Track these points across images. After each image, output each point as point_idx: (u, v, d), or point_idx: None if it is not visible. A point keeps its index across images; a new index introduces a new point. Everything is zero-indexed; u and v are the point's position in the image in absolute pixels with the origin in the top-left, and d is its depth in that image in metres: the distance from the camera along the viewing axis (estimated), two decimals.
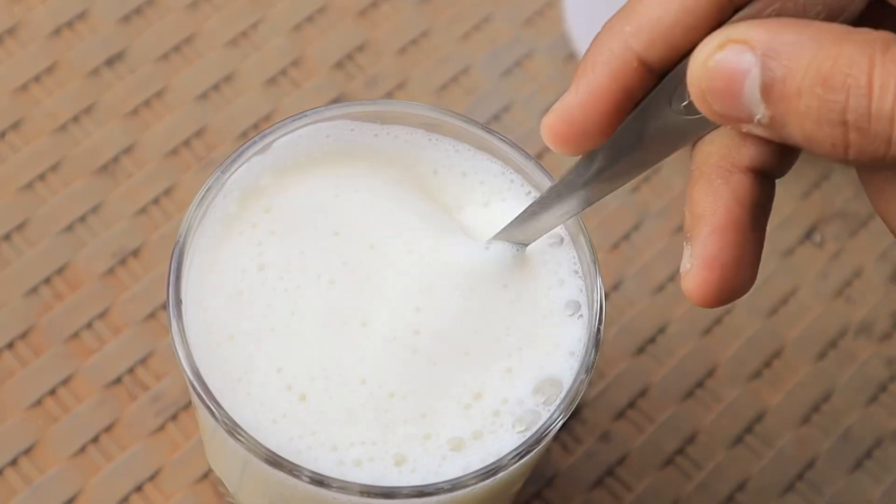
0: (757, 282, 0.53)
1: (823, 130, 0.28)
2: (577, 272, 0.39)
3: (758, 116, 0.29)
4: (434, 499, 0.35)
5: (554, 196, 0.36)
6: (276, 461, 0.35)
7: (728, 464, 0.51)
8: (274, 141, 0.39)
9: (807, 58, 0.28)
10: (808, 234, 0.55)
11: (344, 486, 0.35)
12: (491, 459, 0.36)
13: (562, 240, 0.40)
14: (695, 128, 0.32)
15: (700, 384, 0.52)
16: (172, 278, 0.37)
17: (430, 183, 0.40)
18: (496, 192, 0.40)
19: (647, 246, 0.54)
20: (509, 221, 0.38)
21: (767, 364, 0.53)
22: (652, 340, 0.52)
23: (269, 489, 0.38)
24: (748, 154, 0.32)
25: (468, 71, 0.57)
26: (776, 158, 0.32)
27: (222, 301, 0.37)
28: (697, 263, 0.32)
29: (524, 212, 0.37)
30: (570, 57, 0.58)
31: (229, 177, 0.39)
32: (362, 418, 0.36)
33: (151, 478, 0.48)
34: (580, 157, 0.34)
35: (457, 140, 0.41)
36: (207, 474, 0.48)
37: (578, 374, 0.37)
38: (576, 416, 0.51)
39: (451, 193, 0.40)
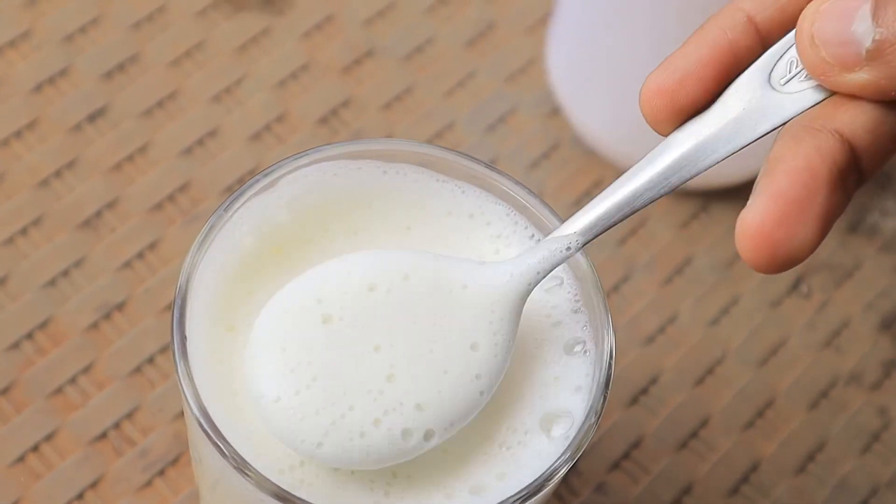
0: (746, 332, 0.54)
1: None
2: (576, 311, 0.39)
3: (867, 45, 0.29)
4: None
5: (629, 188, 0.35)
6: (285, 497, 0.34)
7: None
8: (279, 179, 0.39)
9: None
10: (795, 286, 0.55)
11: None
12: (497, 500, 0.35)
13: (562, 280, 0.40)
14: (792, 106, 0.31)
15: (694, 434, 0.51)
16: (177, 314, 0.36)
17: (443, 223, 0.40)
18: (503, 237, 0.40)
19: (637, 298, 0.54)
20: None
21: (760, 414, 0.52)
22: (644, 391, 0.52)
23: None
24: (840, 118, 0.31)
25: (452, 126, 0.57)
26: (867, 141, 0.31)
27: (230, 336, 0.37)
28: (760, 196, 0.30)
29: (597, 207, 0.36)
30: (554, 111, 0.58)
31: (234, 213, 0.38)
32: (376, 453, 0.36)
33: None
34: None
35: (462, 181, 0.40)
36: None
37: (593, 405, 0.36)
38: (572, 468, 0.50)
39: (462, 233, 0.40)
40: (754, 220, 0.30)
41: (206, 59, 0.57)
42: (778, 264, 0.30)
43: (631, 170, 0.35)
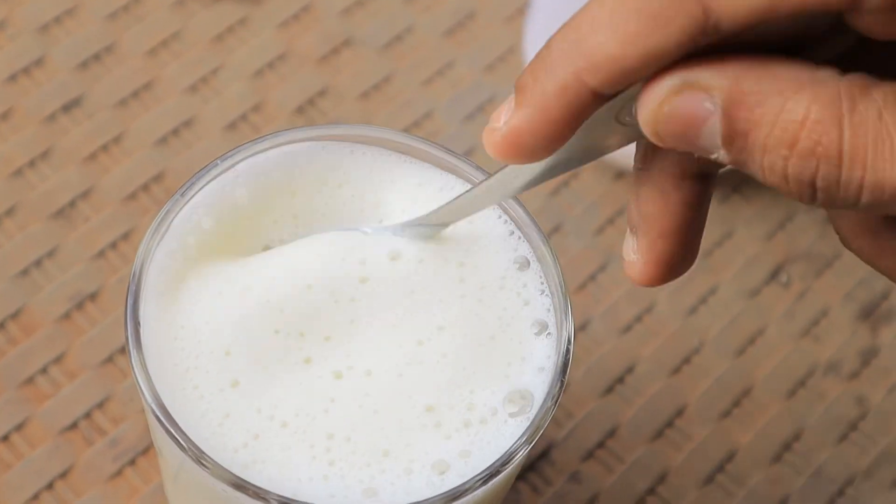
0: (724, 321, 0.53)
1: (790, 185, 0.28)
2: (543, 292, 0.39)
3: (715, 156, 0.28)
4: None
5: (484, 189, 0.36)
6: (242, 486, 0.34)
7: (700, 503, 0.50)
8: (238, 162, 0.38)
9: (771, 114, 0.27)
10: (774, 275, 0.55)
11: None
12: (458, 482, 0.35)
13: (528, 262, 0.40)
14: (635, 133, 0.31)
15: (670, 424, 0.51)
16: (130, 301, 0.36)
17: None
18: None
19: (614, 287, 0.54)
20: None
21: (737, 403, 0.52)
22: (620, 380, 0.52)
23: None
24: (700, 162, 0.31)
25: (431, 115, 0.57)
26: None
27: (190, 325, 0.36)
28: (644, 259, 0.32)
29: (446, 203, 0.37)
30: None
31: (191, 198, 0.38)
32: (334, 444, 0.35)
33: None
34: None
35: (430, 164, 0.40)
36: None
37: (551, 387, 0.36)
38: (545, 456, 0.50)
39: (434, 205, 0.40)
40: (642, 276, 0.33)
41: (182, 49, 0.57)
42: (664, 283, 0.33)
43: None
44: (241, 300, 0.37)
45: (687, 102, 0.28)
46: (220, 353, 0.36)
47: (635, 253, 0.33)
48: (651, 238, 0.32)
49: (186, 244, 0.37)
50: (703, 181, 0.32)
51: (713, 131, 0.28)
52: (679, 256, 0.32)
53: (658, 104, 0.28)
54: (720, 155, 0.28)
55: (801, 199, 0.28)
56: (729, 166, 0.29)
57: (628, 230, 0.33)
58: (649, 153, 0.32)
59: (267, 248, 0.39)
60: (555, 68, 0.30)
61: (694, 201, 0.32)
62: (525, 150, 0.32)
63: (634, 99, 0.29)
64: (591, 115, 0.31)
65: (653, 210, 0.32)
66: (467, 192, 0.37)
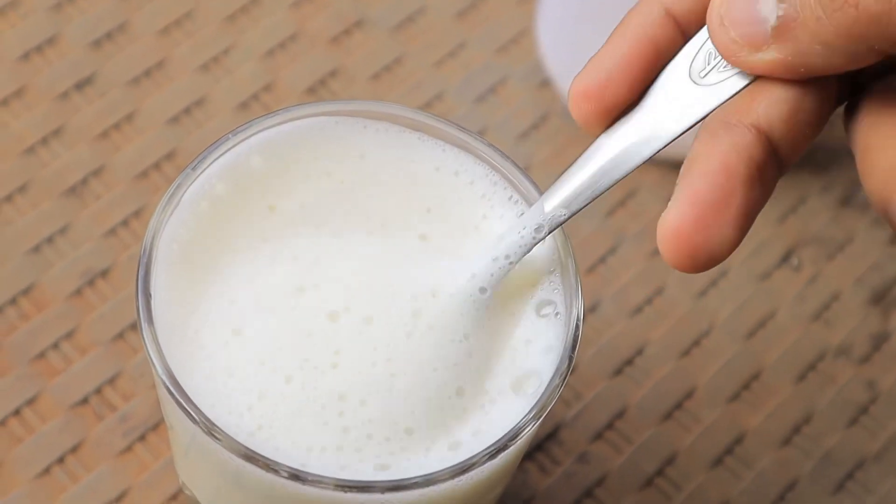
0: (734, 304, 0.53)
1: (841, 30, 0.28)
2: (552, 272, 0.39)
3: (772, 23, 0.29)
4: (410, 494, 0.34)
5: (562, 187, 0.35)
6: (252, 458, 0.34)
7: (708, 485, 0.50)
8: (251, 136, 0.39)
9: None
10: (786, 258, 0.55)
11: (319, 481, 0.33)
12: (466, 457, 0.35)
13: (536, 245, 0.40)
14: (710, 99, 0.32)
15: (679, 406, 0.51)
16: (142, 273, 0.36)
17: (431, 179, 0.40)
18: (486, 197, 0.40)
19: (624, 269, 0.54)
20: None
21: (746, 386, 0.52)
22: (629, 362, 0.52)
23: (245, 495, 0.37)
24: (757, 111, 0.31)
25: (442, 97, 0.57)
26: (784, 130, 0.31)
27: (201, 294, 0.37)
28: (679, 199, 0.30)
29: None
30: (544, 83, 0.57)
31: (203, 171, 0.38)
32: (343, 417, 0.35)
33: (118, 499, 0.46)
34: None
35: (444, 141, 0.40)
36: (177, 495, 0.47)
37: (559, 364, 0.36)
38: (553, 436, 0.50)
39: (448, 189, 0.40)
40: (672, 224, 0.30)
41: (194, 29, 0.57)
42: (698, 266, 0.30)
43: (561, 177, 0.35)
44: (256, 267, 0.37)
45: None
46: (226, 306, 0.37)
47: (671, 205, 0.30)
48: (690, 177, 0.30)
49: (199, 215, 0.38)
50: (757, 138, 0.31)
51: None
52: (716, 208, 0.30)
53: None
54: (773, 22, 0.29)
55: (854, 53, 0.29)
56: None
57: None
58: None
59: (273, 209, 0.39)
60: (638, 5, 0.33)
61: (743, 149, 0.30)
62: (605, 90, 0.32)
63: (704, 48, 0.31)
64: (668, 58, 0.32)
65: (699, 152, 0.31)
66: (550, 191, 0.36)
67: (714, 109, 0.32)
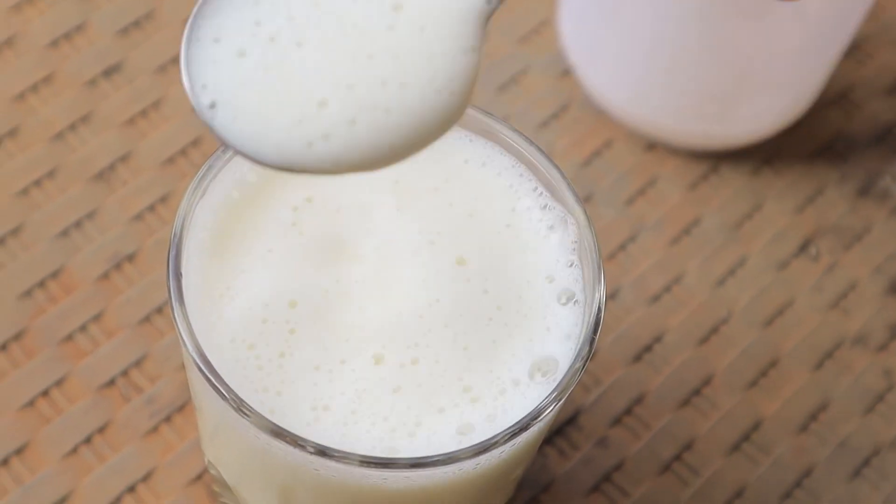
0: (752, 293, 0.54)
1: None
2: (572, 264, 0.39)
3: None
4: (431, 471, 0.35)
5: None
6: (279, 433, 0.35)
7: (726, 471, 0.50)
8: None
9: None
10: (804, 248, 0.56)
11: (344, 456, 0.34)
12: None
13: (562, 224, 0.40)
14: None
15: (697, 392, 0.52)
16: (173, 253, 0.37)
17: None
18: (513, 187, 0.40)
19: (643, 257, 0.54)
20: None
21: (764, 373, 0.52)
22: (648, 349, 0.52)
23: (271, 472, 0.38)
24: None
25: None
26: None
27: (230, 274, 0.37)
28: None
29: None
30: (565, 73, 0.58)
31: (234, 154, 0.38)
32: (371, 396, 0.36)
33: (144, 479, 0.47)
34: None
35: (469, 131, 0.41)
36: (201, 475, 0.47)
37: (580, 348, 0.37)
38: (572, 422, 0.50)
39: (477, 180, 0.40)
40: None
41: None
42: None
43: None
44: (283, 246, 0.38)
45: None
46: (258, 294, 0.37)
47: None
48: None
49: (228, 199, 0.38)
50: None
51: None
52: None
53: None
54: None
55: None
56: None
57: None
58: None
59: (310, 200, 0.39)
60: None
61: None
62: None
63: None
64: None
65: None
66: None
67: None
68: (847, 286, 0.55)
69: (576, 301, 0.39)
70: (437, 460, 0.35)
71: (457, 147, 0.41)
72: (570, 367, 0.37)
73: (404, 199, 0.40)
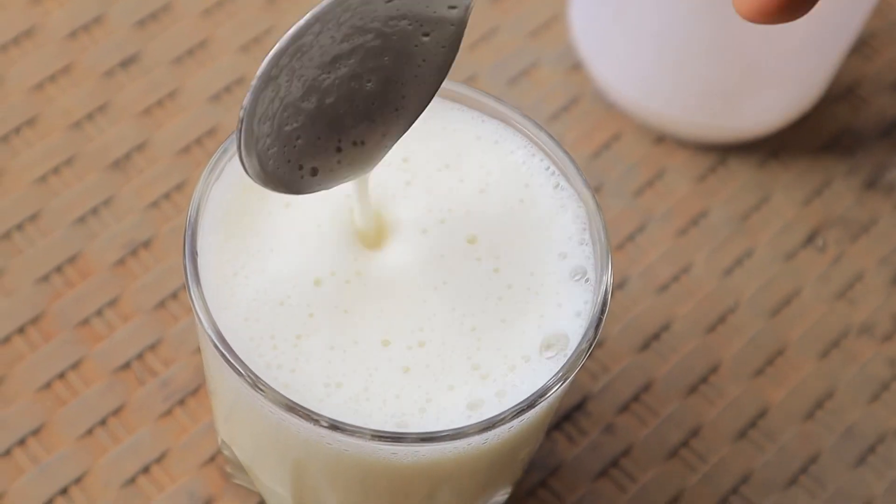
0: (759, 283, 0.54)
1: None
2: (583, 242, 0.40)
3: None
4: (440, 446, 0.35)
5: None
6: (293, 408, 0.35)
7: (732, 457, 0.51)
8: None
9: None
10: (811, 239, 0.56)
11: (356, 431, 0.35)
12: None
13: (566, 205, 0.41)
14: None
15: (704, 380, 0.52)
16: (189, 232, 0.37)
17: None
18: (526, 164, 0.41)
19: (652, 248, 0.55)
20: None
21: (770, 362, 0.53)
22: (656, 337, 0.53)
23: (284, 449, 0.39)
24: None
25: (474, 79, 0.58)
26: None
27: (245, 255, 0.38)
28: None
29: None
30: (575, 66, 0.59)
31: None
32: (382, 375, 0.37)
33: (158, 460, 0.48)
34: None
35: (481, 112, 0.42)
36: (214, 457, 0.48)
37: (588, 328, 0.37)
38: (580, 408, 0.51)
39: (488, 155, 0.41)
40: None
41: (236, 9, 0.58)
42: (766, 12, 0.29)
43: None
44: (294, 225, 0.39)
45: None
46: (271, 274, 0.38)
47: None
48: None
49: (244, 180, 0.39)
50: None
51: None
52: None
53: None
54: None
55: None
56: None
57: None
58: None
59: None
60: None
61: None
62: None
63: None
64: None
65: None
66: None
67: None
68: (853, 277, 0.55)
69: (587, 279, 0.39)
70: (446, 435, 0.35)
71: (469, 125, 0.41)
72: (577, 347, 0.37)
73: (415, 176, 0.41)
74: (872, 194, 0.57)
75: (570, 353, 0.38)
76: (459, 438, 0.35)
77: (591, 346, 0.37)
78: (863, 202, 0.57)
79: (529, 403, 0.36)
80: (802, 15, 0.29)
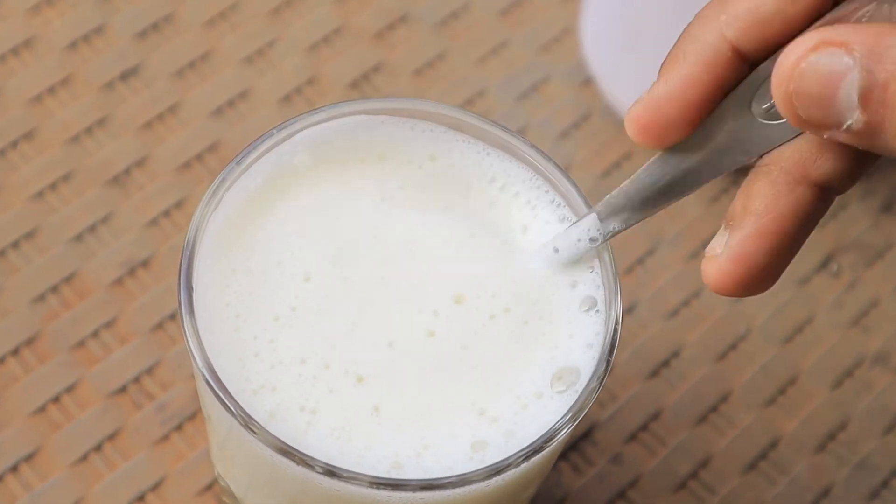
0: (772, 309, 0.53)
1: None
2: (592, 269, 0.39)
3: (849, 122, 0.28)
4: (442, 493, 0.34)
5: (618, 201, 0.36)
6: (287, 452, 0.34)
7: (742, 490, 0.50)
8: (296, 133, 0.39)
9: None
10: (825, 264, 0.55)
11: (353, 477, 0.34)
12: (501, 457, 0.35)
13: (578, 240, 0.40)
14: (773, 136, 0.31)
15: (714, 409, 0.51)
16: (184, 266, 0.36)
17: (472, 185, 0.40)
18: (531, 203, 0.40)
19: (662, 271, 0.54)
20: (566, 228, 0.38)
21: (782, 391, 0.52)
22: (665, 364, 0.52)
23: (279, 488, 0.38)
24: (822, 168, 0.31)
25: (483, 94, 0.57)
26: (847, 174, 0.31)
27: (238, 288, 0.37)
28: (728, 255, 0.32)
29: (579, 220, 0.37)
30: (587, 82, 0.57)
31: (248, 167, 0.38)
32: (381, 412, 0.36)
33: (154, 487, 0.47)
34: (646, 164, 0.34)
35: (486, 143, 0.40)
36: (211, 485, 0.47)
37: (597, 366, 0.36)
38: (587, 437, 0.50)
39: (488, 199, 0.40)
40: (720, 275, 0.32)
41: (239, 21, 0.57)
42: (734, 296, 0.33)
43: (618, 191, 0.36)
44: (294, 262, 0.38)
45: (825, 58, 0.28)
46: (270, 313, 0.37)
47: (721, 248, 0.32)
48: (746, 234, 0.31)
49: (242, 211, 0.38)
50: (821, 194, 0.31)
51: (850, 88, 0.27)
52: (764, 266, 0.32)
53: (795, 60, 0.28)
54: (854, 120, 0.28)
55: None
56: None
57: (722, 226, 0.32)
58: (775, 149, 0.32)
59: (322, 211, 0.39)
60: (695, 29, 0.32)
61: (802, 212, 0.31)
62: (664, 121, 0.32)
63: (769, 81, 0.29)
64: (728, 90, 0.31)
65: (759, 207, 0.31)
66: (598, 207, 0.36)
67: (776, 146, 0.32)
68: (868, 304, 0.54)
69: (597, 311, 0.38)
70: (449, 482, 0.34)
71: (473, 161, 0.40)
72: (587, 386, 0.36)
73: (416, 216, 0.40)
74: (889, 218, 0.56)
75: (578, 391, 0.36)
76: (464, 486, 0.34)
77: (600, 384, 0.36)
78: (879, 226, 0.56)
79: (536, 448, 0.35)
80: (768, 288, 0.33)
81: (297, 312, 0.37)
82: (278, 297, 0.37)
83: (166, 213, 0.52)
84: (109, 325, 0.50)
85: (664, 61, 0.32)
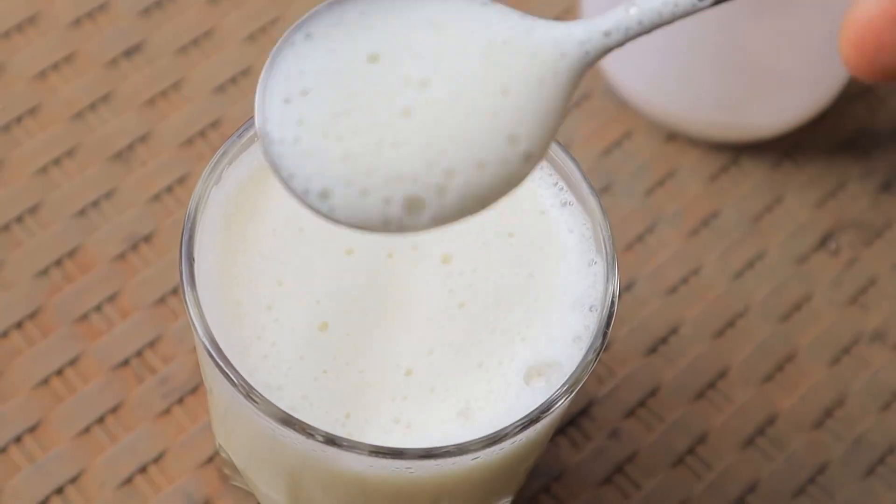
0: (770, 287, 0.53)
1: None
2: (591, 262, 0.39)
3: None
4: (441, 462, 0.35)
5: None
6: (288, 421, 0.34)
7: (739, 465, 0.50)
8: None
9: None
10: (823, 242, 0.55)
11: (354, 446, 0.34)
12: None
13: (570, 203, 0.40)
14: None
15: (711, 385, 0.51)
16: (186, 237, 0.37)
17: None
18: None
19: (661, 248, 0.54)
20: None
21: (780, 368, 0.52)
22: (664, 341, 0.52)
23: (280, 459, 0.38)
24: None
25: None
26: None
27: (242, 260, 0.37)
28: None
29: None
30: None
31: (249, 140, 0.38)
32: (375, 384, 0.36)
33: (156, 460, 0.47)
34: None
35: None
36: (213, 458, 0.48)
37: (593, 341, 0.36)
38: (585, 412, 0.50)
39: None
40: (862, 16, 0.27)
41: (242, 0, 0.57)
42: (877, 70, 0.27)
43: None
44: (296, 236, 0.38)
45: None
46: (272, 284, 0.37)
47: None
48: None
49: (244, 183, 0.38)
50: None
51: None
52: None
53: None
54: None
55: None
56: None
57: None
58: None
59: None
60: None
61: None
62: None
63: None
64: None
65: None
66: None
67: None
68: (866, 282, 0.54)
69: (592, 307, 0.38)
70: (447, 451, 0.34)
71: None
72: (583, 360, 0.36)
73: None
74: (888, 197, 0.56)
75: (575, 364, 0.37)
76: (462, 454, 0.35)
77: (596, 357, 0.37)
78: (878, 205, 0.56)
79: (532, 419, 0.35)
80: None
81: (299, 288, 0.38)
82: (279, 271, 0.37)
83: (169, 189, 0.53)
84: (112, 299, 0.50)
85: None
